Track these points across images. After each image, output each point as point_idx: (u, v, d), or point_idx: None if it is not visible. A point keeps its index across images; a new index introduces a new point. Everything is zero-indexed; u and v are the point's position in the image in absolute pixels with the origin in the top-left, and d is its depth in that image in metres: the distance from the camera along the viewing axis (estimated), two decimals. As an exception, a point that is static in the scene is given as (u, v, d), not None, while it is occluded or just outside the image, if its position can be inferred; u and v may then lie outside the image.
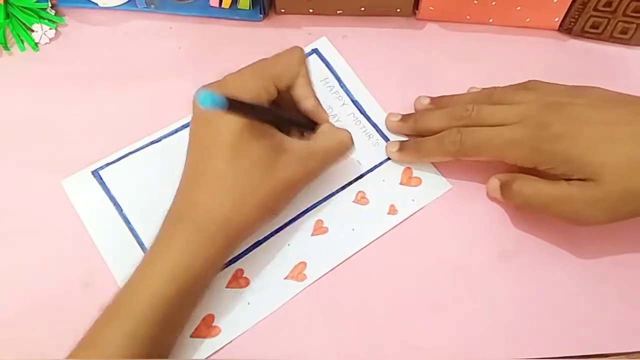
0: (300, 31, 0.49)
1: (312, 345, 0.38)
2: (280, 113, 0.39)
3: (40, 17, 0.48)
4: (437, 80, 0.47)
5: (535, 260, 0.41)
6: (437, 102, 0.44)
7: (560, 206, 0.38)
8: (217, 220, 0.35)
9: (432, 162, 0.44)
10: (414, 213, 0.42)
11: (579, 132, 0.37)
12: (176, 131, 0.44)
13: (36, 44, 0.48)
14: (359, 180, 0.43)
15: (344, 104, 0.46)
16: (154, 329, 0.33)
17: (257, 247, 0.41)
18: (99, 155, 0.43)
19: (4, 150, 0.44)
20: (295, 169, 0.37)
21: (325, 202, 0.42)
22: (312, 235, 0.41)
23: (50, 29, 0.48)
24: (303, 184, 0.39)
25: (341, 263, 0.40)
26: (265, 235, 0.41)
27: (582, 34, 0.49)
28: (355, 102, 0.46)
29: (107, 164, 0.43)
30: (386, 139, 0.45)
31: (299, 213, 0.42)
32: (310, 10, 0.49)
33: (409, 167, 0.44)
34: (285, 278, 0.40)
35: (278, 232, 0.41)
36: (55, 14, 0.49)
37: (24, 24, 0.48)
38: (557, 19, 0.48)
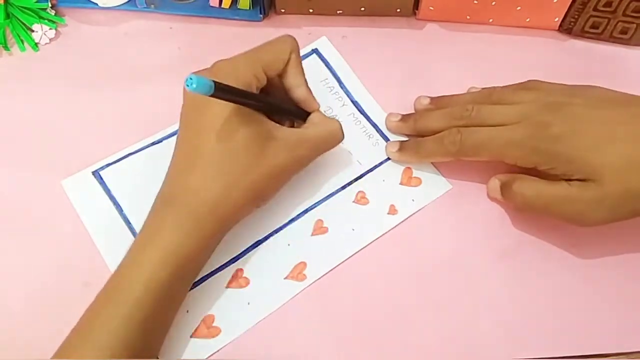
0: (300, 31, 0.49)
1: (312, 345, 0.38)
2: (270, 100, 0.39)
3: (40, 17, 0.48)
4: (437, 80, 0.47)
5: (535, 260, 0.41)
6: (437, 102, 0.44)
7: (561, 206, 0.38)
8: (208, 203, 0.35)
9: (432, 162, 0.44)
10: (414, 213, 0.42)
11: (579, 132, 0.37)
12: (177, 132, 0.44)
13: (36, 44, 0.48)
14: (359, 180, 0.43)
15: (344, 105, 0.46)
16: (149, 312, 0.33)
17: (257, 247, 0.41)
18: (100, 155, 0.44)
19: (4, 150, 0.44)
20: (285, 156, 0.37)
21: (325, 202, 0.42)
22: (312, 235, 0.41)
23: (50, 29, 0.48)
24: (292, 172, 0.39)
25: (341, 263, 0.40)
26: (265, 235, 0.41)
27: (582, 34, 0.49)
28: (355, 102, 0.46)
29: (108, 165, 0.43)
30: (386, 139, 0.45)
31: (299, 213, 0.42)
32: (310, 10, 0.49)
33: (409, 167, 0.44)
34: (285, 278, 0.40)
35: (278, 232, 0.41)
36: (55, 14, 0.49)
37: (24, 24, 0.48)
38: (557, 19, 0.48)
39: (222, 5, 0.49)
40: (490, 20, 0.49)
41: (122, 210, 0.42)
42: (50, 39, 0.48)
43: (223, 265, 0.40)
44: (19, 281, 0.40)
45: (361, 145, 0.45)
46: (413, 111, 0.45)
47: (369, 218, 0.42)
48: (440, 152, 0.41)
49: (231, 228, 0.38)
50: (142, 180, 0.42)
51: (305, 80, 0.40)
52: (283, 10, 0.50)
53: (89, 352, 0.32)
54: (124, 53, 0.48)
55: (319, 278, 0.40)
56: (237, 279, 0.40)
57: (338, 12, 0.49)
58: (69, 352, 0.33)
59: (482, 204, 0.43)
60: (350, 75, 0.47)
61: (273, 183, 0.38)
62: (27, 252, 0.40)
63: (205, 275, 0.40)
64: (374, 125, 0.45)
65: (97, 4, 0.49)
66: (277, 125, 0.38)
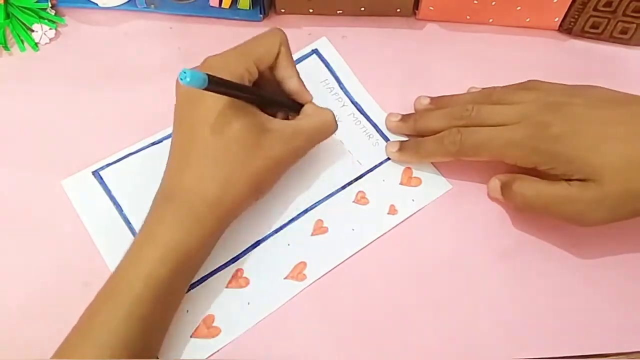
0: (300, 31, 0.49)
1: (312, 345, 0.38)
2: (263, 93, 0.39)
3: (40, 17, 0.48)
4: (437, 80, 0.47)
5: (535, 260, 0.41)
6: (437, 102, 0.44)
7: (561, 206, 0.38)
8: (207, 199, 0.35)
9: (432, 162, 0.44)
10: (414, 213, 0.42)
11: (579, 132, 0.37)
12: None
13: (36, 44, 0.48)
14: (359, 180, 0.43)
15: (344, 105, 0.46)
16: (148, 310, 0.33)
17: (257, 247, 0.41)
18: (100, 155, 0.44)
19: (4, 150, 0.44)
20: (281, 148, 0.37)
21: (325, 202, 0.42)
22: (312, 235, 0.41)
23: (50, 29, 0.48)
24: (288, 164, 0.39)
25: (341, 263, 0.40)
26: (265, 235, 0.41)
27: (582, 34, 0.49)
28: (355, 102, 0.46)
29: (108, 165, 0.43)
30: (386, 139, 0.45)
31: (299, 213, 0.42)
32: (310, 10, 0.49)
33: (409, 167, 0.44)
34: (285, 278, 0.40)
35: (278, 232, 0.41)
36: (55, 14, 0.49)
37: (24, 24, 0.48)
38: (557, 19, 0.48)
39: (222, 5, 0.49)
40: (490, 20, 0.49)
41: (122, 210, 0.42)
42: (50, 39, 0.48)
43: (223, 265, 0.40)
44: (19, 281, 0.40)
45: (361, 145, 0.45)
46: (413, 111, 0.45)
47: (369, 218, 0.42)
48: (440, 152, 0.41)
49: (231, 223, 0.38)
50: (142, 180, 0.42)
51: (297, 72, 0.40)
52: (283, 10, 0.50)
53: (89, 350, 0.32)
54: (124, 53, 0.48)
55: (319, 278, 0.40)
56: (237, 279, 0.40)
57: (338, 12, 0.49)
58: (69, 351, 0.33)
59: (482, 204, 0.43)
60: (350, 76, 0.47)
61: (270, 175, 0.38)
62: (27, 252, 0.40)
63: (205, 275, 0.40)
64: (374, 126, 0.46)
65: (97, 4, 0.49)
66: (271, 117, 0.38)
